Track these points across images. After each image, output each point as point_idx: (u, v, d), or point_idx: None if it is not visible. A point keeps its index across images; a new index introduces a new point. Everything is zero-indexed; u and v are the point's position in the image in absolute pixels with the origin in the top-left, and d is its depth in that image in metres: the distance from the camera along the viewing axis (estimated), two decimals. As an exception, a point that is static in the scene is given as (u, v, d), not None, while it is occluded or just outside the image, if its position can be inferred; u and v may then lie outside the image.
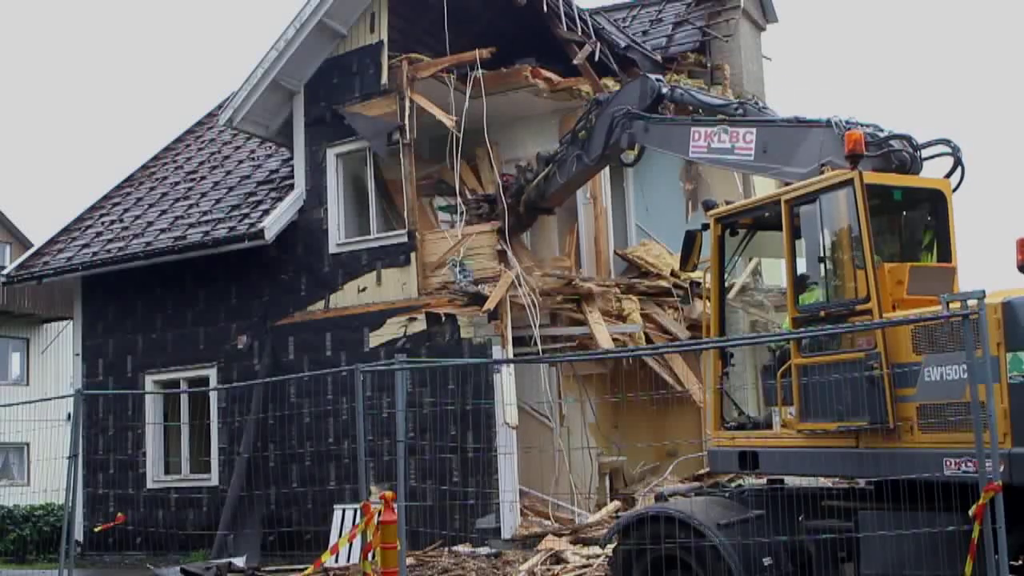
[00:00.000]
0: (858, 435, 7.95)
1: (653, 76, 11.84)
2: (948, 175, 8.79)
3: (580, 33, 16.53)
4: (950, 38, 71.75)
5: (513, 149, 16.96)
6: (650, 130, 11.15)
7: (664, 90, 11.49)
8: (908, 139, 8.79)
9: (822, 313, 8.40)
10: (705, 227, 9.68)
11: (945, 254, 8.49)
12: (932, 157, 8.91)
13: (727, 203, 9.74)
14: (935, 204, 8.57)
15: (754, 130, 9.71)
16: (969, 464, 7.18)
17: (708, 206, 9.78)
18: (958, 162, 8.78)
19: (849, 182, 8.08)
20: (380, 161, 16.01)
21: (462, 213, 15.49)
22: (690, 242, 9.88)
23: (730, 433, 9.25)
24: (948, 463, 7.32)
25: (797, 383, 8.39)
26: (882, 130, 8.94)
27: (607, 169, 16.62)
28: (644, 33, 19.32)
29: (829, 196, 8.27)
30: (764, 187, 17.13)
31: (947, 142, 8.87)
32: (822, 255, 8.41)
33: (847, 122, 8.97)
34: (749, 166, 9.92)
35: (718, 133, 10.01)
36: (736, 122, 9.97)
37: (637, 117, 11.32)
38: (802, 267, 8.73)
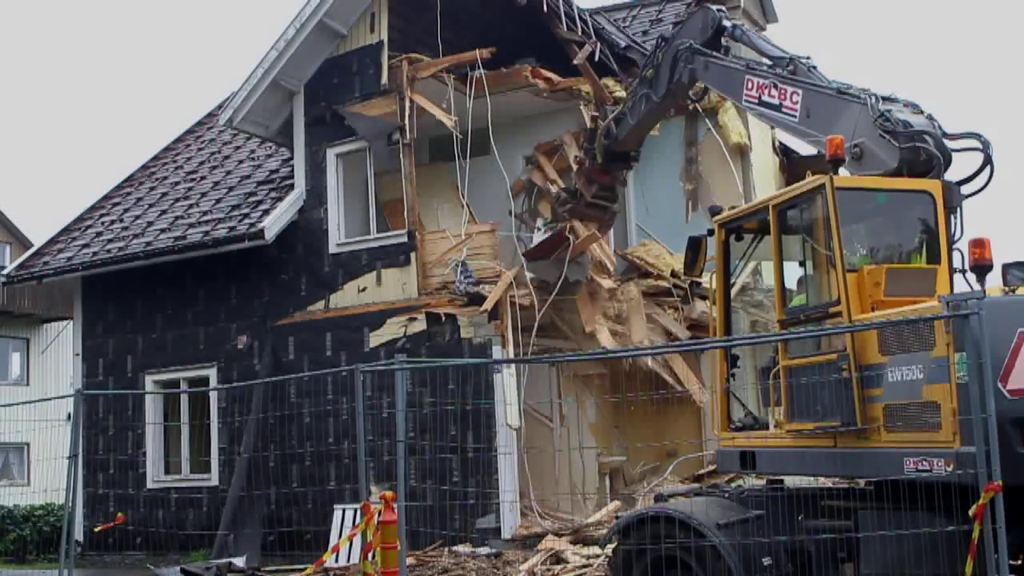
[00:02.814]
0: (835, 435, 8.04)
1: (715, 7, 11.44)
2: (977, 173, 8.68)
3: (580, 33, 16.52)
4: (951, 37, 71.79)
5: (513, 149, 16.97)
6: (710, 68, 10.86)
7: (725, 22, 11.19)
8: (935, 136, 8.64)
9: (802, 316, 8.53)
10: (711, 232, 9.68)
11: (935, 256, 8.46)
12: (960, 151, 8.79)
13: (732, 208, 9.73)
14: (924, 206, 8.52)
15: (800, 91, 9.54)
16: (925, 463, 7.27)
17: (714, 212, 9.78)
18: (988, 160, 8.65)
19: (822, 187, 8.13)
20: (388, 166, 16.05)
21: (467, 216, 15.52)
22: (695, 248, 9.89)
23: (734, 434, 9.33)
24: (908, 462, 7.41)
25: (785, 384, 8.50)
26: (920, 110, 8.83)
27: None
28: (644, 33, 19.30)
29: (807, 200, 8.38)
30: (764, 190, 17.14)
31: (977, 136, 8.73)
32: (802, 259, 8.54)
33: (885, 98, 8.89)
34: (794, 128, 9.73)
35: (769, 87, 9.85)
36: (785, 79, 9.78)
37: (700, 53, 11.02)
38: (788, 270, 8.83)
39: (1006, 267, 7.78)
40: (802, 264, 8.60)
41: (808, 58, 10.03)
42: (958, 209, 8.57)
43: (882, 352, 7.70)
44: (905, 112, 8.85)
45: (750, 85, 10.08)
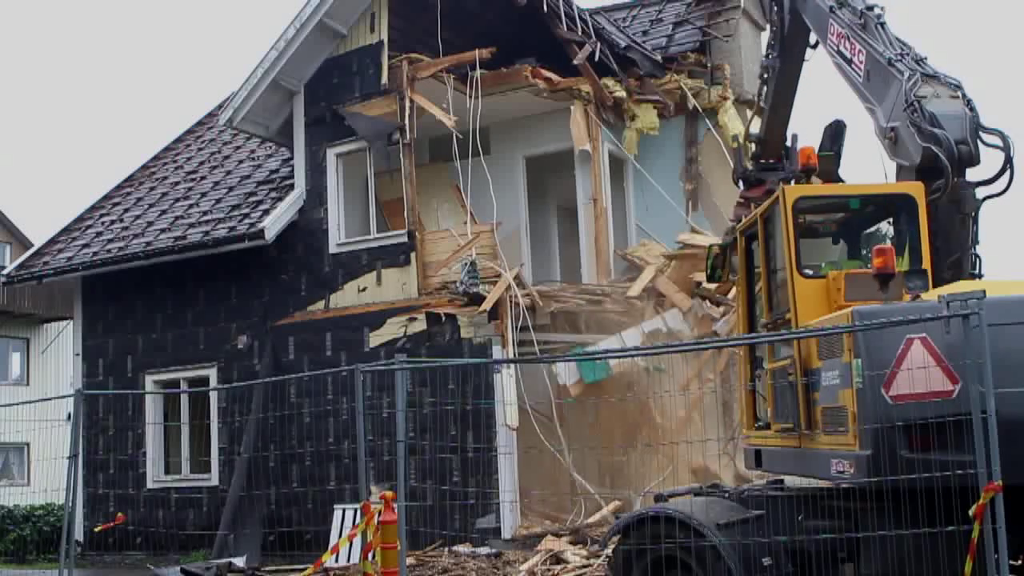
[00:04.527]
0: (799, 436, 8.26)
1: None
2: (997, 175, 8.50)
3: (580, 33, 16.54)
4: (952, 36, 71.74)
5: (513, 149, 16.99)
6: (807, 0, 10.41)
7: None
8: (948, 142, 8.32)
9: (772, 322, 8.85)
10: (733, 241, 9.82)
11: (917, 259, 8.45)
12: (988, 145, 8.64)
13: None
14: (906, 208, 8.49)
15: (865, 51, 9.20)
16: (841, 465, 7.47)
17: (738, 219, 9.95)
18: (1008, 161, 8.43)
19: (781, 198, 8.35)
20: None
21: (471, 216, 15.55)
22: (721, 255, 9.98)
23: (753, 432, 9.59)
24: (833, 464, 7.62)
25: (771, 386, 8.84)
26: (959, 94, 8.60)
27: (607, 169, 16.66)
28: (644, 33, 19.31)
29: (774, 210, 8.60)
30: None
31: (1000, 134, 8.49)
32: (772, 267, 8.83)
33: (928, 75, 8.62)
34: (858, 89, 9.37)
35: (845, 37, 9.48)
36: (856, 33, 9.38)
37: None
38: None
39: (904, 275, 7.90)
40: (775, 272, 8.82)
41: (882, 10, 9.44)
42: (971, 213, 8.46)
43: (820, 358, 7.93)
44: (942, 96, 8.58)
45: (832, 30, 9.71)
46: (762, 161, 12.18)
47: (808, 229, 9.03)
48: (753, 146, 12.17)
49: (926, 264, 8.36)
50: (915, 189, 8.36)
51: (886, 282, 7.71)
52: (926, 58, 9.00)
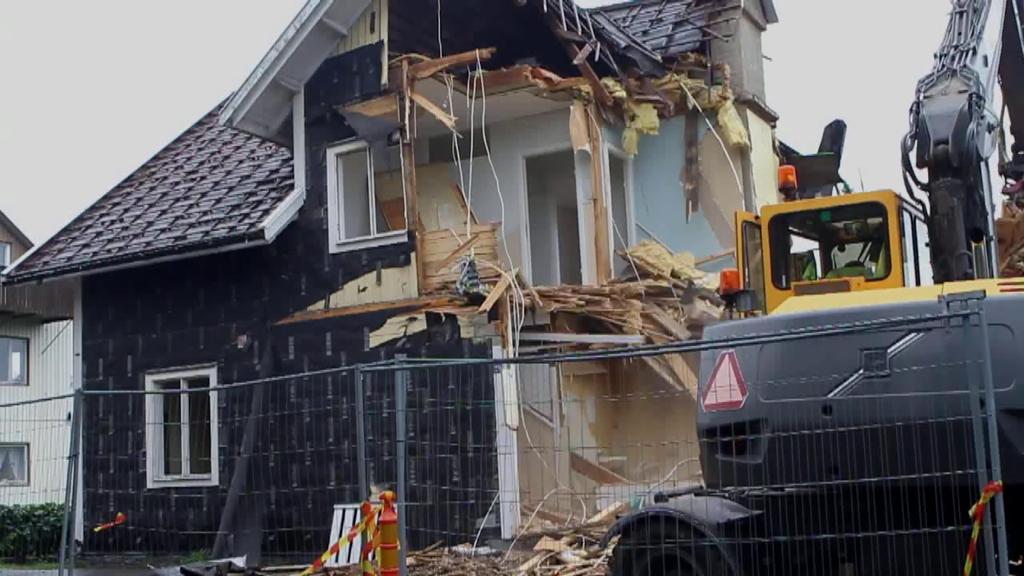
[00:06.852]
0: None
1: None
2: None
3: (580, 33, 16.54)
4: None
5: (513, 149, 16.98)
6: None
7: None
8: (904, 150, 8.56)
9: None
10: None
11: (888, 264, 8.49)
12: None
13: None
14: (876, 216, 8.57)
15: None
16: None
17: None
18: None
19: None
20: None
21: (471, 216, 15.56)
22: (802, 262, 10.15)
23: None
24: None
25: None
26: (968, 86, 8.62)
27: (607, 169, 16.66)
28: (644, 33, 19.30)
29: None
30: (764, 190, 17.10)
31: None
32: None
33: (949, 71, 8.68)
34: None
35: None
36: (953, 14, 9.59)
37: None
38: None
39: (735, 295, 8.34)
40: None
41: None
42: (948, 214, 8.47)
43: None
44: (950, 93, 8.65)
45: None
46: (1020, 153, 12.03)
47: (828, 235, 9.39)
48: (1013, 138, 12.01)
49: (896, 268, 8.43)
50: (884, 197, 8.49)
51: (732, 301, 8.52)
52: (974, 48, 8.95)
